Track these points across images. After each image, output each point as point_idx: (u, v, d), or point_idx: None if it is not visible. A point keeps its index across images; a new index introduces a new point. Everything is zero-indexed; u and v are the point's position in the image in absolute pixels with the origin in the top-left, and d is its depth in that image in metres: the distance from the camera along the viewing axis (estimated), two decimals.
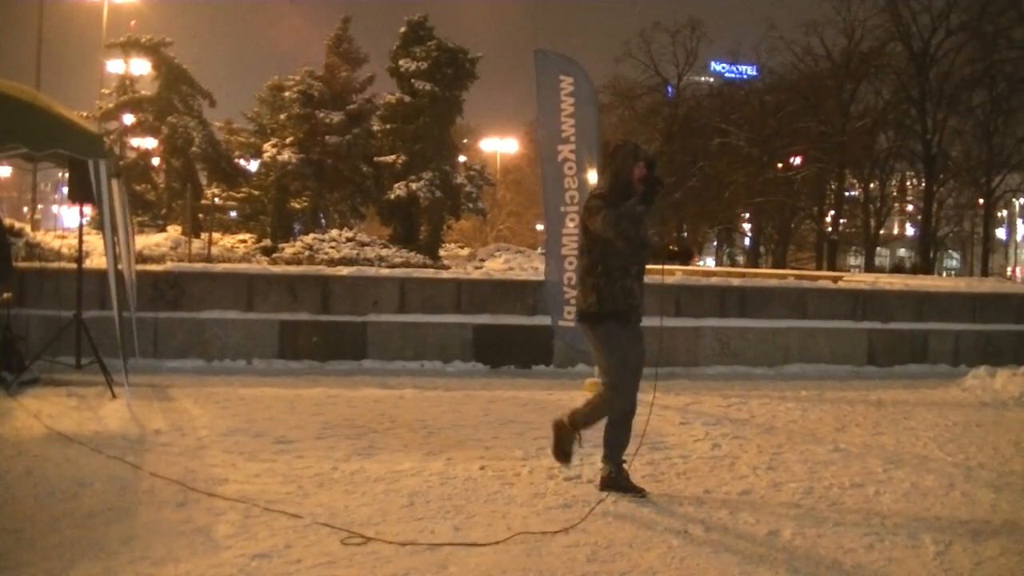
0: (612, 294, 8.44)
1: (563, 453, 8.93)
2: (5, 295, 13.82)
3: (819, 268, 68.21)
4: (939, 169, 70.19)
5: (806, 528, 7.70)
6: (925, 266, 69.42)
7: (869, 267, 74.07)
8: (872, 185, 76.79)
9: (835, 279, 30.59)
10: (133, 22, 65.90)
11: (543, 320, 16.72)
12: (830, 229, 77.49)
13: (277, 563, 6.50)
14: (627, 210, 8.21)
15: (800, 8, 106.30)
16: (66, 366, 13.72)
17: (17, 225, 31.15)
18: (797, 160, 75.10)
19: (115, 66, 60.96)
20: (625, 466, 8.73)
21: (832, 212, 78.89)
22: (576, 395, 13.91)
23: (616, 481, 8.61)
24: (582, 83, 14.35)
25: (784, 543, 7.32)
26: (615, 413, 8.64)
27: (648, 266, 8.86)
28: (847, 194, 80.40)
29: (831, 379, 16.85)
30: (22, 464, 8.63)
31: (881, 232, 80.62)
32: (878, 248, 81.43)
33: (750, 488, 8.95)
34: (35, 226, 52.03)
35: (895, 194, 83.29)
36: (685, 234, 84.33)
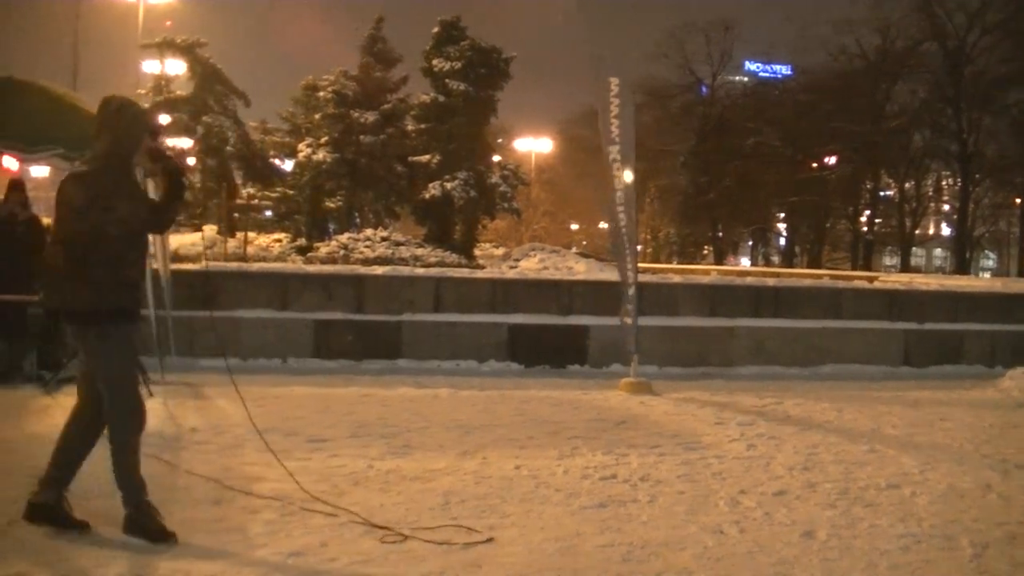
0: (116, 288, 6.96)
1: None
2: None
3: (854, 268, 67.92)
4: (975, 168, 69.85)
5: (841, 529, 7.68)
6: (961, 266, 69.05)
7: (905, 267, 73.73)
8: (907, 185, 76.47)
9: (870, 279, 30.49)
10: (168, 22, 66.03)
11: (578, 320, 16.79)
12: (865, 229, 77.19)
13: (312, 561, 6.52)
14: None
15: (834, 7, 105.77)
16: None
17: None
18: (831, 160, 74.80)
19: (151, 66, 61.16)
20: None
21: (867, 212, 78.55)
22: (611, 395, 13.92)
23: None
24: (624, 84, 14.51)
25: (819, 544, 7.29)
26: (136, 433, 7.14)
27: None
28: (882, 194, 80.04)
29: (866, 379, 16.78)
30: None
31: (916, 232, 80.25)
32: (913, 248, 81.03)
33: (785, 488, 8.92)
34: None
35: (930, 194, 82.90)
36: (720, 234, 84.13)
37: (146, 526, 6.83)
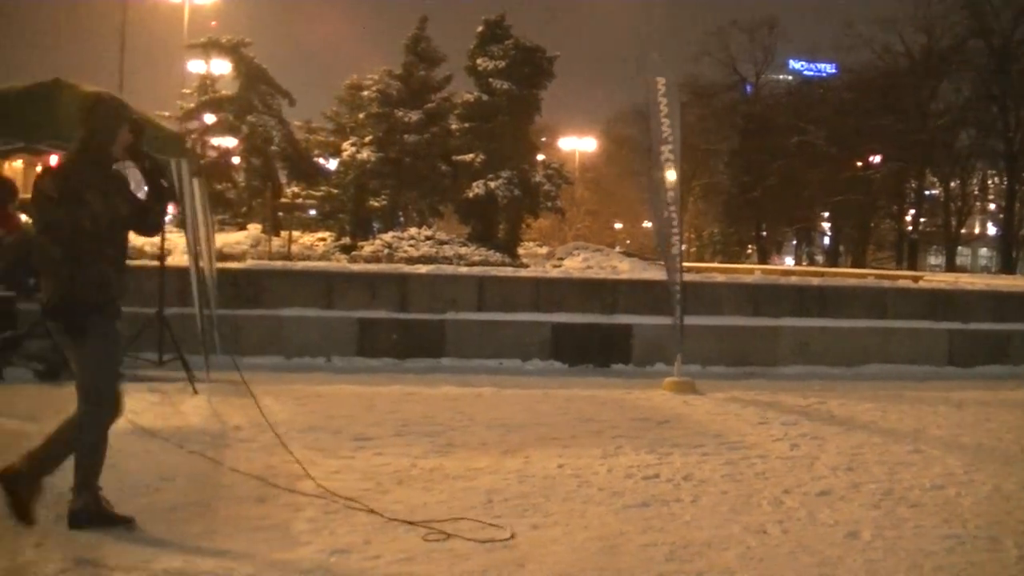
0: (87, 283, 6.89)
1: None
2: None
3: (899, 268, 67.56)
4: (1021, 167, 69.26)
5: (885, 530, 7.64)
6: (1006, 266, 68.56)
7: (950, 267, 73.25)
8: (952, 184, 75.91)
9: (915, 279, 30.33)
10: (214, 23, 66.32)
11: (622, 319, 16.80)
12: (910, 228, 76.73)
13: (356, 559, 6.54)
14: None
15: (879, 5, 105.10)
16: (148, 362, 13.85)
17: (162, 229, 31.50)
18: (876, 159, 74.39)
19: (196, 66, 61.43)
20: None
21: (912, 211, 78.08)
22: (654, 394, 13.90)
23: (96, 512, 6.97)
24: (671, 83, 14.60)
25: (863, 545, 7.27)
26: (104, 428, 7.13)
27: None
28: (927, 193, 79.51)
29: (910, 380, 16.66)
30: (107, 457, 8.72)
31: (962, 231, 79.70)
32: (959, 247, 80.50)
33: (829, 489, 8.88)
34: None
35: (976, 193, 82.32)
36: (764, 233, 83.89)
37: (104, 514, 6.95)
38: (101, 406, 7.00)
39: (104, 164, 6.96)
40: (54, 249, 6.80)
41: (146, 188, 7.17)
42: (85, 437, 6.94)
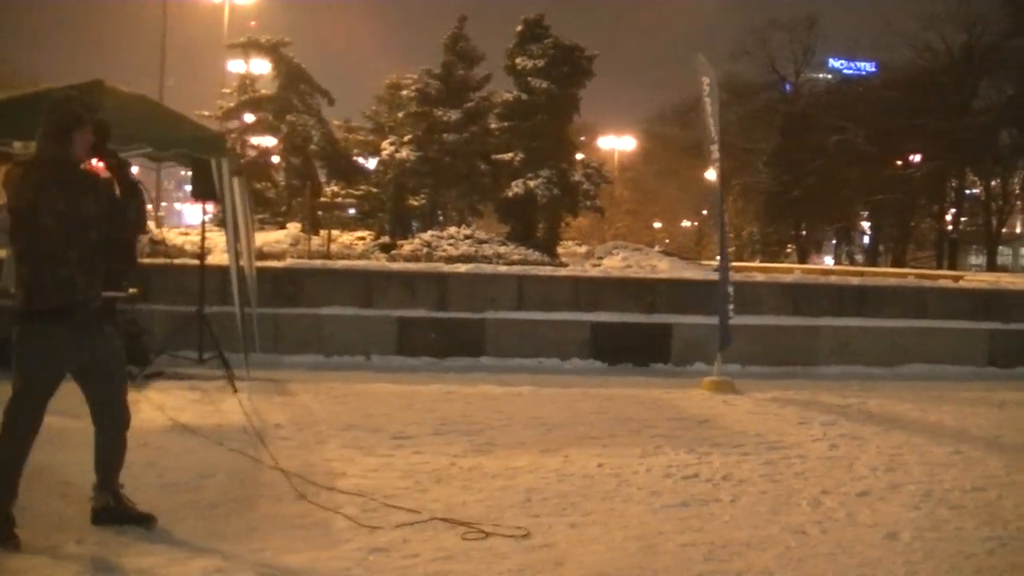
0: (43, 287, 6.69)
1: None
2: (131, 291, 14.07)
3: (939, 267, 67.14)
4: None
5: (925, 531, 7.60)
6: None
7: (991, 266, 72.75)
8: (993, 183, 75.39)
9: (955, 278, 30.16)
10: (253, 23, 66.65)
11: (661, 318, 16.79)
12: (950, 228, 76.27)
13: (394, 557, 6.55)
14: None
15: (919, 3, 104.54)
16: (189, 360, 13.92)
17: (145, 225, 31.64)
18: (916, 157, 73.96)
19: (236, 66, 61.67)
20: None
21: (952, 210, 77.61)
22: (693, 393, 13.88)
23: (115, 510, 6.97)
24: (714, 83, 14.69)
25: (903, 546, 7.23)
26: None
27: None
28: (967, 192, 79.01)
29: (951, 380, 16.56)
30: (146, 455, 8.77)
31: (1003, 231, 79.17)
32: (1000, 247, 79.97)
33: (868, 489, 8.84)
34: (159, 223, 52.78)
35: (1017, 192, 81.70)
36: (803, 232, 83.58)
37: (125, 512, 6.91)
38: (5, 421, 6.68)
39: (65, 164, 6.75)
40: (14, 251, 6.80)
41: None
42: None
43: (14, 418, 6.62)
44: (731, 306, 14.82)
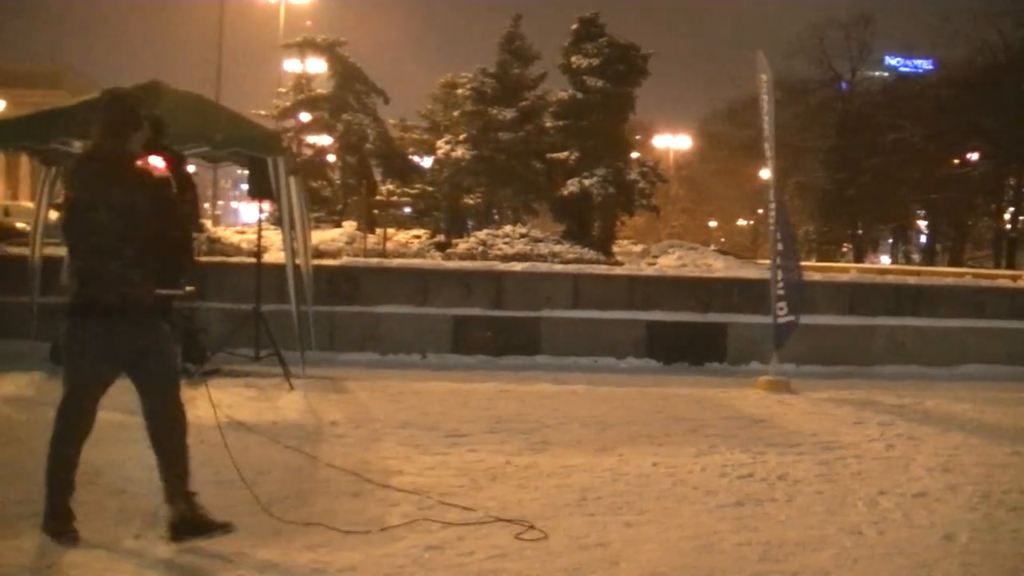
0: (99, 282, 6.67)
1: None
2: (188, 289, 14.14)
3: (997, 267, 66.56)
4: None
5: (983, 533, 7.53)
6: None
7: None
8: None
9: (1014, 278, 29.92)
10: (309, 22, 66.87)
11: (716, 317, 16.76)
12: (1008, 227, 75.60)
13: (449, 554, 6.57)
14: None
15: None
16: (245, 358, 14.01)
17: (199, 221, 31.84)
18: (973, 156, 73.36)
19: (292, 65, 61.88)
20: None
21: (1011, 209, 76.92)
22: (749, 393, 13.84)
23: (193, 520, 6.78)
24: (770, 81, 14.70)
25: (960, 548, 7.17)
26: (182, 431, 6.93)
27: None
28: None
29: (1008, 380, 16.39)
30: (203, 452, 8.81)
31: None
32: None
33: (925, 490, 8.78)
34: (216, 222, 53.10)
35: None
36: (860, 231, 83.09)
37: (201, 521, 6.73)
38: (58, 416, 6.70)
39: (120, 159, 6.71)
40: (67, 244, 6.78)
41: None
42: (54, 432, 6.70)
43: (67, 413, 6.64)
44: (782, 305, 14.72)
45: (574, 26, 53.52)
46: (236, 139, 13.06)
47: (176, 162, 7.05)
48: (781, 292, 14.67)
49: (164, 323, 7.06)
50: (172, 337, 7.17)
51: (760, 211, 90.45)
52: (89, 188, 6.63)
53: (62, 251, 13.59)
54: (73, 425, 6.65)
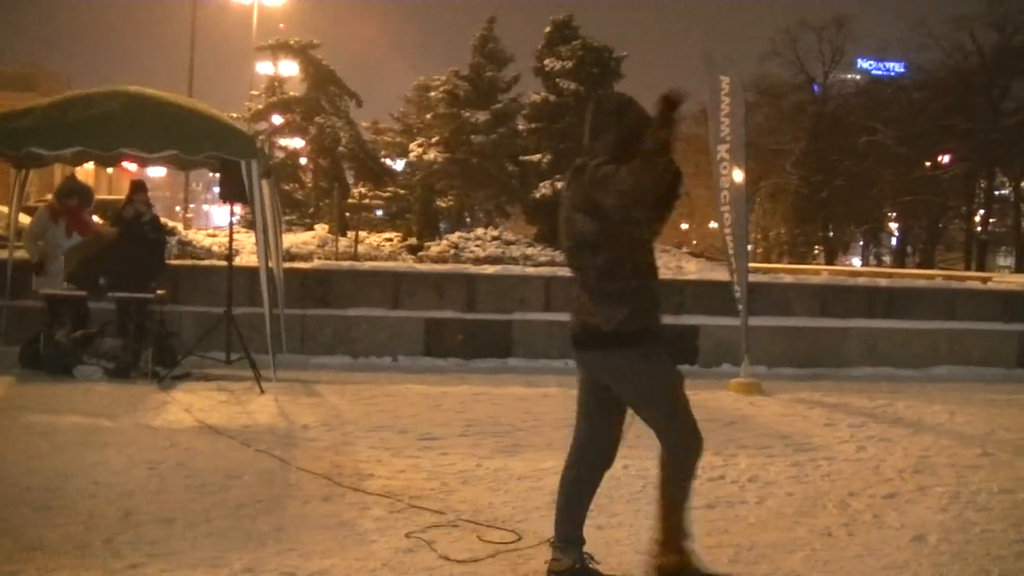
0: (645, 304, 6.42)
1: None
2: (159, 292, 14.16)
3: (967, 268, 66.90)
4: None
5: (953, 534, 7.56)
6: None
7: (1020, 268, 72.39)
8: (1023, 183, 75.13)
9: (984, 280, 30.07)
10: (282, 25, 66.84)
11: (688, 319, 16.77)
12: (979, 229, 75.98)
13: (422, 558, 6.56)
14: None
15: (950, 3, 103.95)
16: (216, 361, 13.97)
17: (170, 224, 31.71)
18: (946, 158, 73.72)
19: (264, 68, 61.79)
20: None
21: (982, 211, 77.32)
22: (721, 395, 13.86)
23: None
24: (736, 83, 14.58)
25: (930, 548, 7.19)
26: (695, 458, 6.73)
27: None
28: (997, 193, 78.74)
29: (980, 382, 16.45)
30: (174, 456, 8.82)
31: None
32: None
33: (896, 491, 8.81)
34: (187, 225, 52.96)
35: None
36: (831, 234, 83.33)
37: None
38: (692, 434, 6.72)
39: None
40: (599, 265, 6.36)
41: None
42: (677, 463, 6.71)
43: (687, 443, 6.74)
44: (740, 306, 14.75)
45: (547, 28, 53.59)
46: (210, 143, 13.05)
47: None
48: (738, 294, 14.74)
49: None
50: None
51: (725, 215, 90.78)
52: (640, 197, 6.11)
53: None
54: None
